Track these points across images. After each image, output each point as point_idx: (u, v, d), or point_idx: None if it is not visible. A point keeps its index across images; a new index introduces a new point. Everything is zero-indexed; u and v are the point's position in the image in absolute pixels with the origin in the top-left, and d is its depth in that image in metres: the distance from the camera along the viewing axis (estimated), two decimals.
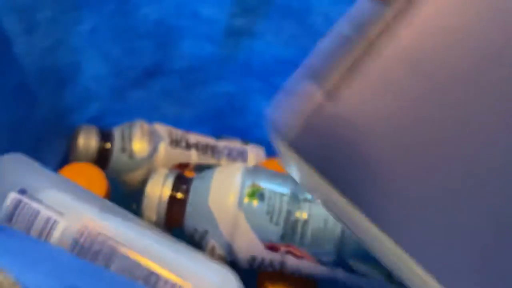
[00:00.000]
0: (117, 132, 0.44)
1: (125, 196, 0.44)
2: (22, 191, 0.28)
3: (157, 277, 0.29)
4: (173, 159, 0.45)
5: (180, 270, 0.30)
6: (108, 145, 0.43)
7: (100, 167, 0.43)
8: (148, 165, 0.44)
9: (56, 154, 0.43)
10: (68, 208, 0.29)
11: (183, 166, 0.45)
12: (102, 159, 0.43)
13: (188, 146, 0.46)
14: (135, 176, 0.43)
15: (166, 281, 0.29)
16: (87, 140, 0.43)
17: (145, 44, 0.46)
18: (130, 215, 0.33)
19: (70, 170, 0.39)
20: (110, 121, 0.47)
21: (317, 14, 0.43)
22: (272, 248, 0.31)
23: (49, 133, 0.41)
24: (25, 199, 0.28)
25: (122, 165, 0.43)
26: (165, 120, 0.47)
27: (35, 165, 0.30)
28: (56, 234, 0.28)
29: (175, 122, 0.49)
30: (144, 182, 0.44)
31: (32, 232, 0.28)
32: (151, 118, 0.46)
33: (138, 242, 0.30)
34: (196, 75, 0.49)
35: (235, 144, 0.50)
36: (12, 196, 0.28)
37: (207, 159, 0.47)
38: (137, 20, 0.44)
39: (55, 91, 0.42)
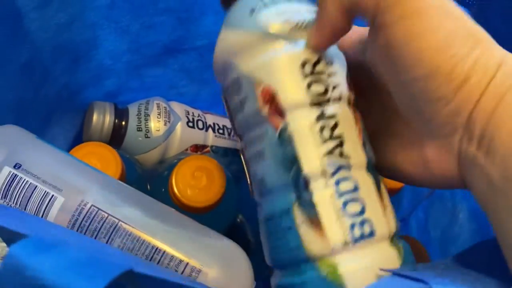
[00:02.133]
0: (132, 110, 0.43)
1: (139, 176, 0.43)
2: (17, 166, 0.27)
3: (162, 254, 0.28)
4: (189, 139, 0.44)
5: (186, 247, 0.29)
6: (123, 123, 0.42)
7: (114, 145, 0.42)
8: (164, 145, 0.42)
9: (69, 130, 0.42)
10: (66, 183, 0.28)
11: (199, 147, 0.44)
12: (116, 137, 0.42)
13: (205, 126, 0.45)
14: (150, 156, 0.42)
15: (171, 258, 0.28)
16: (101, 117, 0.42)
17: (165, 20, 0.44)
18: (135, 192, 0.32)
19: (83, 150, 0.38)
20: (126, 98, 0.46)
21: None
22: None
23: (62, 109, 0.41)
24: (20, 174, 0.27)
25: (136, 144, 0.42)
26: (182, 99, 0.46)
27: (32, 138, 0.29)
28: (53, 211, 0.28)
29: (192, 101, 0.48)
30: (159, 163, 0.43)
31: (29, 208, 0.27)
32: (168, 96, 0.45)
33: (141, 219, 0.29)
34: None
35: None
36: (7, 170, 0.27)
37: (224, 141, 0.45)
38: None
39: (69, 67, 0.41)
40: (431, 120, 0.23)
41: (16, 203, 0.27)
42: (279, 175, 0.25)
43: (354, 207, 0.24)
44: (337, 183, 0.24)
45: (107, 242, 0.28)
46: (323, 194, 0.24)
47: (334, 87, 0.25)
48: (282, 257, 0.25)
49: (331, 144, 0.24)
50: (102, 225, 0.28)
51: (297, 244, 0.24)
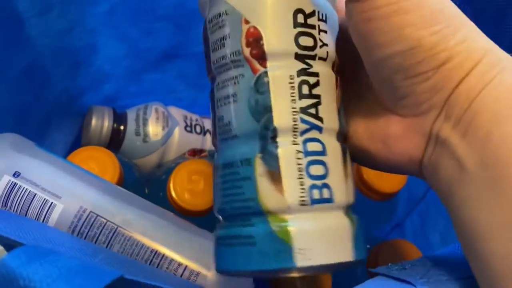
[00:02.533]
0: (131, 114, 0.44)
1: (137, 180, 0.43)
2: (17, 174, 0.28)
3: (161, 258, 0.29)
4: (187, 144, 0.44)
5: (185, 250, 0.30)
6: (121, 127, 0.43)
7: (112, 150, 0.42)
8: (162, 149, 0.43)
9: (68, 134, 0.43)
10: (65, 190, 0.29)
11: (197, 152, 0.45)
12: (115, 141, 0.43)
13: (203, 131, 0.45)
14: (148, 160, 0.43)
15: (170, 262, 0.29)
16: (100, 121, 0.42)
17: (164, 27, 0.45)
18: (133, 196, 0.32)
19: (82, 154, 0.39)
20: (125, 103, 0.47)
21: None
22: None
23: (61, 114, 0.42)
24: (20, 182, 0.28)
25: (135, 149, 0.43)
26: (180, 104, 0.46)
27: (30, 145, 0.30)
28: (53, 218, 0.28)
29: (190, 106, 0.48)
30: (157, 167, 0.43)
31: (29, 216, 0.28)
32: (166, 101, 0.46)
33: (140, 224, 0.30)
34: None
35: None
36: (6, 179, 0.28)
37: None
38: (156, 2, 0.43)
39: (68, 72, 0.42)
40: (407, 97, 0.22)
41: (16, 211, 0.28)
42: (248, 122, 0.23)
43: (317, 170, 0.23)
44: (305, 142, 0.23)
45: (106, 248, 0.29)
46: (289, 149, 0.23)
47: (322, 45, 0.24)
48: (233, 206, 0.24)
49: (308, 101, 0.23)
50: (101, 231, 0.29)
51: (252, 196, 0.23)
